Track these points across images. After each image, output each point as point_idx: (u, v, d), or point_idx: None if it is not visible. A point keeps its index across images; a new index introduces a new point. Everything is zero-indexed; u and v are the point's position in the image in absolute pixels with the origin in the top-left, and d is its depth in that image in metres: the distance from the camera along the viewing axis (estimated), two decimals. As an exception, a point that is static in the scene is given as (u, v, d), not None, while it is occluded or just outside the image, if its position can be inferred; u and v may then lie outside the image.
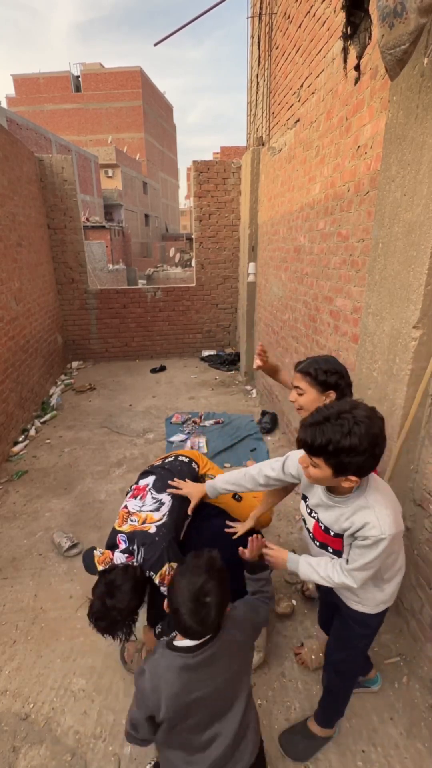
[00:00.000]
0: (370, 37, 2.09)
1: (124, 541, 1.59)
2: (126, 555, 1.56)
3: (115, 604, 1.40)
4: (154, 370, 6.48)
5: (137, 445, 4.13)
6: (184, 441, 4.09)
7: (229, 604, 1.11)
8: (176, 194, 41.00)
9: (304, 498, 1.37)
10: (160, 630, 1.60)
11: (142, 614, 1.67)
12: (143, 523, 1.63)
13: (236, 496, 1.86)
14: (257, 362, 1.96)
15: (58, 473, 3.66)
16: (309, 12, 3.07)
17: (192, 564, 1.07)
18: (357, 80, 2.24)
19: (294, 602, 2.24)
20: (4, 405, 3.96)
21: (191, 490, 1.71)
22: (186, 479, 1.79)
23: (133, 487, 1.83)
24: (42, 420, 4.68)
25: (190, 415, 4.68)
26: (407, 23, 1.36)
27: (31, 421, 4.63)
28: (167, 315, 6.95)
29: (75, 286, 6.47)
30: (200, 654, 1.05)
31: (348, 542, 1.22)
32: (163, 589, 1.52)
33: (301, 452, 1.18)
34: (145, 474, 1.89)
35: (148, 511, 1.68)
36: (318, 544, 1.36)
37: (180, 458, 1.96)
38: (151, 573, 1.51)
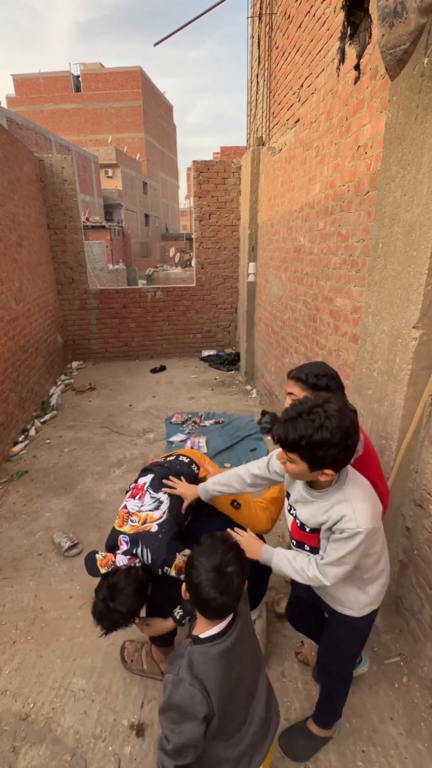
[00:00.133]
0: (370, 37, 2.09)
1: (126, 543, 1.59)
2: (128, 557, 1.56)
3: (117, 606, 1.42)
4: (154, 370, 6.48)
5: (137, 445, 4.13)
6: (184, 441, 4.09)
7: None
8: (176, 194, 41.00)
9: (288, 495, 1.38)
10: (180, 614, 1.54)
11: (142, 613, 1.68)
12: (144, 523, 1.63)
13: (234, 504, 1.86)
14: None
15: (58, 473, 3.66)
16: (309, 12, 3.07)
17: (208, 543, 1.11)
18: (357, 80, 2.24)
19: (288, 604, 2.24)
20: (4, 405, 3.96)
21: (184, 490, 1.73)
22: (182, 478, 1.80)
23: (132, 486, 1.84)
24: (42, 420, 4.68)
25: (190, 415, 4.68)
26: (407, 23, 1.36)
27: (31, 421, 4.63)
28: (167, 315, 6.95)
29: (75, 286, 6.47)
30: (230, 636, 1.07)
31: (325, 536, 1.22)
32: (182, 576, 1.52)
33: None
34: (144, 472, 1.89)
35: (148, 510, 1.68)
36: (295, 543, 1.38)
37: (181, 458, 1.96)
38: (166, 568, 1.51)
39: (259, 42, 4.69)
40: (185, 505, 1.72)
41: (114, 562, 1.54)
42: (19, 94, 29.53)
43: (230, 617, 1.10)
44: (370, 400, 2.08)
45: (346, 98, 2.40)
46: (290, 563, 1.30)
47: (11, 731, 1.70)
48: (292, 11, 3.47)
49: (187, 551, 1.53)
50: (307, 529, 1.28)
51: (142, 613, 1.66)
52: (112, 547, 1.64)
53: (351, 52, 2.29)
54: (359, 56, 2.20)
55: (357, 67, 2.23)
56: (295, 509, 1.32)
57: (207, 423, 4.47)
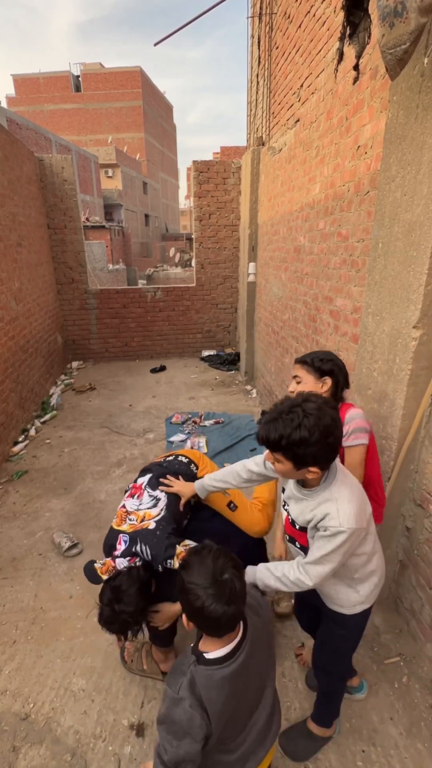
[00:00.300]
0: (369, 37, 2.09)
1: (125, 541, 1.60)
2: (128, 558, 1.56)
3: (123, 608, 1.44)
4: (154, 370, 6.48)
5: (137, 445, 4.13)
6: (184, 441, 4.09)
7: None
8: (176, 194, 41.00)
9: (283, 490, 1.40)
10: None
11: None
12: (142, 521, 1.65)
13: (231, 505, 1.86)
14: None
15: (58, 473, 3.66)
16: (309, 12, 3.07)
17: (192, 561, 1.04)
18: (356, 80, 2.24)
19: (294, 602, 2.24)
20: (4, 405, 3.96)
21: (181, 488, 1.75)
22: (180, 477, 1.81)
23: (131, 485, 1.85)
24: (42, 420, 4.68)
25: (190, 415, 4.68)
26: (407, 23, 1.36)
27: (31, 421, 4.63)
28: (167, 315, 6.95)
29: (75, 286, 6.47)
30: (238, 657, 1.01)
31: (311, 534, 1.23)
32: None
33: None
34: (143, 472, 1.91)
35: (146, 509, 1.70)
36: (288, 537, 1.40)
37: (180, 458, 1.97)
38: (169, 562, 1.51)
39: (259, 42, 4.69)
40: (182, 502, 1.74)
41: (114, 566, 1.54)
42: (19, 94, 29.53)
43: (240, 634, 1.04)
44: (370, 400, 2.08)
45: (346, 98, 2.40)
46: (272, 573, 1.28)
47: (11, 731, 1.70)
48: (292, 11, 3.47)
49: (188, 541, 1.54)
50: (297, 527, 1.29)
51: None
52: (110, 546, 1.64)
53: (351, 52, 2.29)
54: (359, 56, 2.20)
55: (356, 67, 2.23)
56: (288, 505, 1.33)
57: (207, 423, 4.47)
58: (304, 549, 1.30)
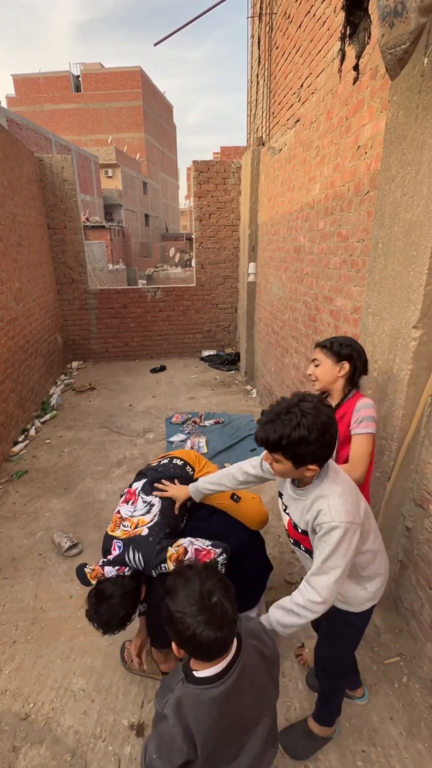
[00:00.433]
0: (369, 37, 2.09)
1: (119, 547, 1.63)
2: (116, 567, 1.60)
3: (103, 613, 1.52)
4: (154, 370, 6.48)
5: (137, 445, 4.13)
6: (184, 441, 4.09)
7: (240, 615, 1.03)
8: (176, 194, 41.00)
9: (280, 495, 1.40)
10: None
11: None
12: (136, 527, 1.67)
13: (234, 497, 1.86)
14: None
15: (58, 473, 3.66)
16: (309, 12, 3.07)
17: (176, 584, 0.97)
18: (356, 80, 2.24)
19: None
20: (4, 405, 3.96)
21: (175, 492, 1.76)
22: (176, 481, 1.82)
23: (126, 490, 1.86)
24: (42, 420, 4.68)
25: (190, 415, 4.68)
26: (407, 23, 1.36)
27: (31, 421, 4.63)
28: (167, 315, 6.95)
29: (75, 286, 6.47)
30: (228, 679, 0.96)
31: (312, 539, 1.23)
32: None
33: None
34: (138, 476, 1.92)
35: (140, 515, 1.71)
36: (293, 541, 1.40)
37: (174, 461, 1.97)
38: (163, 566, 1.53)
39: (259, 42, 4.69)
40: (177, 505, 1.74)
41: (103, 574, 1.60)
42: (19, 94, 29.52)
43: (232, 653, 0.98)
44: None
45: (346, 98, 2.40)
46: (282, 608, 1.23)
47: (11, 731, 1.70)
48: (292, 11, 3.47)
49: (180, 540, 1.56)
50: (299, 530, 1.29)
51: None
52: (106, 551, 1.68)
53: (351, 52, 2.29)
54: (359, 56, 2.20)
55: (356, 68, 2.23)
56: (288, 509, 1.33)
57: (207, 423, 4.47)
58: (310, 552, 1.30)
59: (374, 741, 1.64)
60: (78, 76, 29.87)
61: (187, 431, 4.29)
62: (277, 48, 4.03)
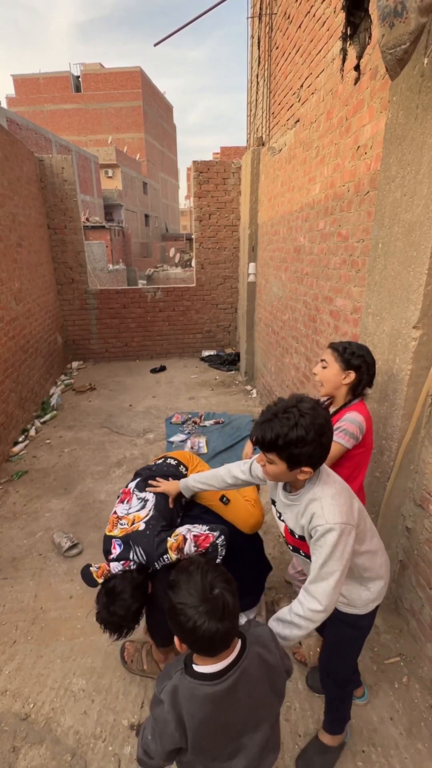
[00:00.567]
0: (370, 37, 2.09)
1: (119, 546, 1.63)
2: (122, 562, 1.60)
3: (116, 610, 1.50)
4: (154, 370, 6.48)
5: (137, 445, 4.13)
6: (184, 441, 4.09)
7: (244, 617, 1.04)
8: (176, 194, 41.01)
9: (273, 503, 1.38)
10: None
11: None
12: (132, 524, 1.68)
13: (223, 499, 1.86)
14: None
15: (58, 473, 3.66)
16: (309, 12, 3.07)
17: (178, 579, 0.98)
18: (357, 80, 2.24)
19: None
20: (4, 405, 3.96)
21: (167, 487, 1.77)
22: (169, 479, 1.83)
23: (122, 490, 1.88)
24: (42, 420, 4.68)
25: (190, 415, 4.68)
26: (407, 23, 1.36)
27: (31, 421, 4.63)
28: (167, 315, 6.95)
29: (75, 286, 6.47)
30: (227, 680, 0.95)
31: (309, 542, 1.22)
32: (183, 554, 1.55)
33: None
34: (134, 477, 1.94)
35: (135, 511, 1.72)
36: (291, 548, 1.39)
37: (168, 460, 2.01)
38: (165, 557, 1.54)
39: (259, 42, 4.69)
40: (170, 499, 1.76)
41: (109, 570, 1.59)
42: (19, 94, 29.53)
43: (235, 654, 0.98)
44: (370, 400, 2.07)
45: (346, 98, 2.40)
46: (281, 621, 1.21)
47: (11, 731, 1.70)
48: (292, 11, 3.47)
49: (178, 530, 1.57)
50: (296, 536, 1.28)
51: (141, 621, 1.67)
52: (107, 552, 1.68)
53: (351, 52, 2.29)
54: (359, 56, 2.21)
55: (357, 68, 2.23)
56: (283, 515, 1.32)
57: (207, 423, 4.47)
58: (309, 557, 1.29)
59: (374, 741, 1.64)
60: (78, 77, 29.88)
61: (187, 431, 4.29)
62: (277, 48, 4.04)
